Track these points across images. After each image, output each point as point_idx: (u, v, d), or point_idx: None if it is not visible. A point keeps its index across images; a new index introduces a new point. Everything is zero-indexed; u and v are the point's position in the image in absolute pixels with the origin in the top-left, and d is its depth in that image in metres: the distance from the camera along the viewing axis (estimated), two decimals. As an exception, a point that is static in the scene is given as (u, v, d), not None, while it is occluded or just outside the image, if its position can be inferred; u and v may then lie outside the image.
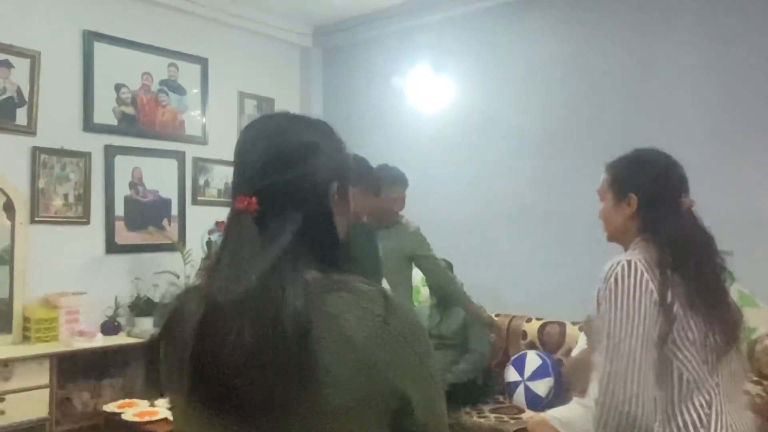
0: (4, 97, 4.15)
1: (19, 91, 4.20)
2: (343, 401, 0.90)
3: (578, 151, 4.03)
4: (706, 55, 3.89)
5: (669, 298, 1.49)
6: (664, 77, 4.04)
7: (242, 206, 0.94)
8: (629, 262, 1.51)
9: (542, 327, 4.22)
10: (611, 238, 1.76)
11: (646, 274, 1.49)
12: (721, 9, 3.84)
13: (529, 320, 4.31)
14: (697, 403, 1.51)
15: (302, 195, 0.98)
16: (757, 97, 3.70)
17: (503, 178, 4.64)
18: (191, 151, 5.18)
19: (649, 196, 1.63)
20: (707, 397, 1.53)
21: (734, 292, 3.67)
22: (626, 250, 1.68)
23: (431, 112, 5.20)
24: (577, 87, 4.36)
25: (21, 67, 4.19)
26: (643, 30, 4.14)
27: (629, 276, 1.48)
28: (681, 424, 1.49)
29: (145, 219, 4.84)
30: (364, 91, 5.76)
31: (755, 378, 3.35)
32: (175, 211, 5.05)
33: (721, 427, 1.52)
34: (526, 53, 4.69)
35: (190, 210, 5.16)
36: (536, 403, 3.85)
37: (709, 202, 2.02)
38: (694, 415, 1.50)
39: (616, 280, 1.49)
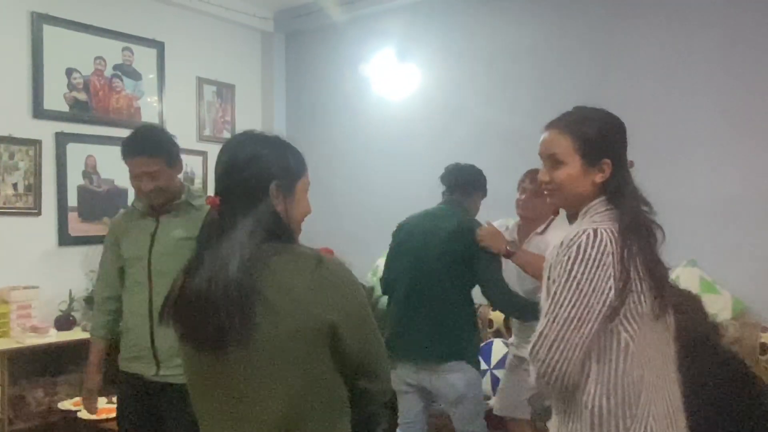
0: None
1: None
2: (284, 331, 1.29)
3: (536, 130, 4.06)
4: (669, 41, 3.93)
5: (630, 272, 1.48)
6: (627, 63, 4.08)
7: (210, 202, 1.41)
8: (595, 232, 1.48)
9: None
10: (567, 207, 1.71)
11: (609, 246, 1.47)
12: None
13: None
14: (636, 376, 1.52)
15: (248, 191, 1.37)
16: (717, 84, 3.75)
17: (470, 158, 4.66)
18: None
19: (619, 161, 1.60)
20: (646, 370, 1.55)
21: (696, 277, 3.78)
22: (573, 217, 1.68)
23: (396, 99, 5.22)
24: (541, 74, 4.40)
25: None
26: (606, 17, 4.16)
27: (592, 247, 1.46)
28: (622, 395, 1.50)
29: (100, 209, 4.78)
30: (328, 77, 5.75)
31: None
32: (130, 201, 4.92)
33: (652, 401, 1.55)
34: (491, 40, 4.70)
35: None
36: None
37: (671, 191, 2.06)
38: (635, 388, 1.51)
39: (578, 248, 1.47)
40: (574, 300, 1.44)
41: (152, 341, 2.31)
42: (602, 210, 1.58)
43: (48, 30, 4.50)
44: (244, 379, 1.32)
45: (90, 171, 4.72)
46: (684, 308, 2.15)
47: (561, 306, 1.46)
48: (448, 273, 2.96)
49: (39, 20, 4.44)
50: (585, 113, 1.65)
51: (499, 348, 4.10)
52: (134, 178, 2.38)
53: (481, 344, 4.08)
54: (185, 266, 1.41)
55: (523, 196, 3.17)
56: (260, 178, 1.37)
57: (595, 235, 1.47)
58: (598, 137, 1.59)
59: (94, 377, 2.61)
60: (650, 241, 1.56)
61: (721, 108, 3.74)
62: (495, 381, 3.97)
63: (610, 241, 1.47)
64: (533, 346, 1.51)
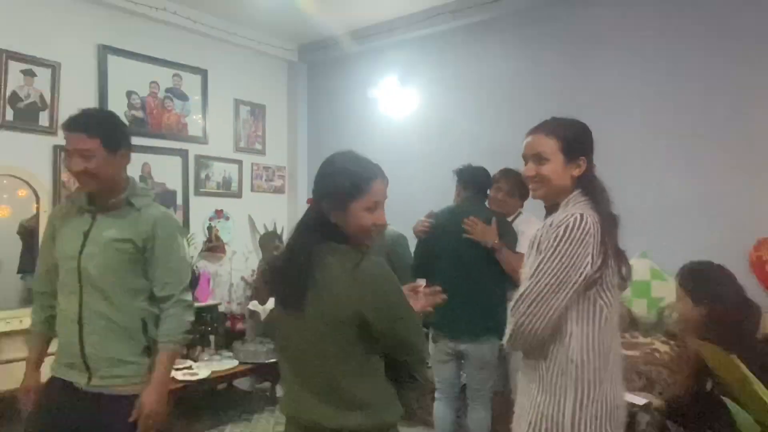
0: (29, 102, 4.12)
1: (41, 98, 4.18)
2: (325, 314, 1.45)
3: (520, 151, 4.09)
4: (623, 72, 3.98)
5: (608, 250, 1.53)
6: (588, 88, 4.10)
7: (308, 202, 1.61)
8: (582, 216, 1.52)
9: None
10: (549, 197, 1.70)
11: (591, 229, 1.51)
12: (635, 34, 3.94)
13: None
14: (608, 338, 1.57)
15: (317, 201, 1.55)
16: (663, 109, 3.80)
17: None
18: (194, 149, 5.17)
19: (590, 160, 1.65)
20: (614, 339, 1.62)
21: (647, 267, 3.81)
22: (551, 208, 1.70)
23: (398, 118, 5.27)
24: (518, 96, 4.42)
25: (43, 75, 4.17)
26: (574, 51, 4.22)
27: (578, 229, 1.49)
28: (599, 350, 1.55)
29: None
30: (342, 99, 5.78)
31: (663, 338, 3.44)
32: (180, 200, 5.03)
33: (616, 364, 1.62)
34: (478, 69, 4.75)
35: (193, 200, 5.14)
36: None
37: (626, 195, 2.10)
38: (607, 347, 1.56)
39: (566, 228, 1.50)
40: (556, 270, 1.48)
41: (82, 349, 1.83)
42: (581, 200, 1.61)
43: (112, 59, 4.58)
44: (302, 341, 1.51)
45: (145, 175, 4.76)
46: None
47: (544, 273, 1.49)
48: (486, 260, 2.96)
49: (104, 51, 4.53)
50: (563, 121, 1.69)
51: None
52: (67, 156, 1.89)
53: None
54: (288, 241, 1.63)
55: (500, 195, 3.14)
56: (319, 195, 1.54)
57: (582, 219, 1.51)
58: (575, 139, 1.63)
59: (34, 374, 2.10)
60: (617, 227, 1.61)
61: (666, 128, 3.80)
62: None
63: (593, 225, 1.51)
64: (515, 303, 1.54)
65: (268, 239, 5.36)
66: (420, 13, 4.89)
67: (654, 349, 3.39)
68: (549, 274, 1.49)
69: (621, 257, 1.61)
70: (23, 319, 3.73)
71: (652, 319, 3.64)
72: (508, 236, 3.03)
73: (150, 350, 1.92)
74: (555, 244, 1.50)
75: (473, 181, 3.28)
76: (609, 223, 1.58)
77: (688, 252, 3.54)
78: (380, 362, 1.52)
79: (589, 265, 1.50)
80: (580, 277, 1.50)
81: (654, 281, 3.67)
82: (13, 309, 3.86)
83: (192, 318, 2.05)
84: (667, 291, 3.62)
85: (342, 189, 1.48)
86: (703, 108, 3.65)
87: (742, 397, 0.95)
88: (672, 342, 3.41)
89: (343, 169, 1.53)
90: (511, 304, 1.57)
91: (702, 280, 2.22)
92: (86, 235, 1.86)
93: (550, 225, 1.57)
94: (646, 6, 3.87)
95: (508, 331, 1.58)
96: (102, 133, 1.84)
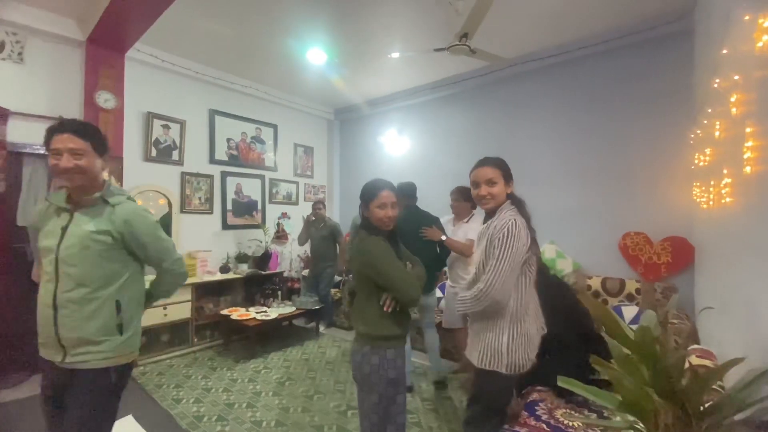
0: (166, 144, 4.18)
1: (174, 142, 4.25)
2: (356, 272, 1.63)
3: (465, 179, 4.18)
4: (548, 126, 4.02)
5: (532, 241, 1.55)
6: (517, 136, 4.16)
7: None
8: (515, 221, 1.53)
9: None
10: (494, 208, 1.66)
11: (522, 228, 1.52)
12: (545, 102, 4.01)
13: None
14: (528, 294, 1.59)
15: (360, 205, 1.70)
16: (572, 148, 3.82)
17: (433, 188, 4.74)
18: (268, 175, 5.22)
19: (511, 181, 1.68)
20: (533, 295, 1.64)
21: (553, 250, 3.85)
22: (490, 213, 1.67)
23: (396, 155, 5.31)
24: (475, 143, 4.48)
25: (175, 128, 4.25)
26: (507, 112, 4.27)
27: (515, 228, 1.51)
28: (524, 302, 1.57)
29: (243, 211, 4.88)
30: (361, 144, 5.82)
31: None
32: (259, 207, 5.10)
33: (532, 307, 1.63)
34: (447, 124, 4.81)
35: (268, 207, 5.21)
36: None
37: (541, 202, 2.18)
38: (527, 299, 1.58)
39: (509, 229, 1.51)
40: (509, 258, 1.49)
41: (56, 330, 1.43)
42: (511, 208, 1.61)
43: (218, 118, 4.65)
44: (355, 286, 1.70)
45: (238, 190, 4.84)
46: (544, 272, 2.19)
47: (503, 262, 1.49)
48: (430, 246, 2.91)
49: (213, 113, 4.60)
50: (497, 159, 1.70)
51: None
52: (54, 155, 1.42)
53: (439, 283, 4.27)
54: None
55: (455, 203, 3.11)
56: (361, 197, 1.70)
57: (515, 222, 1.53)
58: (508, 169, 1.68)
59: None
60: (530, 223, 1.62)
61: (564, 161, 3.86)
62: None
63: (522, 225, 1.54)
64: (488, 286, 1.50)
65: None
66: (410, 89, 4.99)
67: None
68: (506, 262, 1.49)
69: (535, 243, 1.60)
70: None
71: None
72: (442, 230, 3.02)
73: (122, 327, 1.51)
74: (504, 240, 1.50)
75: (410, 192, 3.19)
76: (528, 222, 1.60)
77: (579, 240, 3.69)
78: (374, 298, 1.59)
79: (524, 250, 1.52)
80: (521, 259, 1.52)
81: (558, 259, 3.74)
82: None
83: (183, 281, 1.74)
84: (566, 265, 3.70)
85: (365, 195, 1.68)
86: (586, 148, 3.71)
87: (612, 332, 0.91)
88: None
89: (367, 184, 1.70)
90: (481, 285, 1.53)
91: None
92: (64, 229, 1.46)
93: (495, 227, 1.56)
94: (553, 85, 3.95)
95: (477, 296, 1.53)
96: (90, 137, 1.47)
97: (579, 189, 3.74)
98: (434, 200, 4.74)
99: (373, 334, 1.59)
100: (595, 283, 3.41)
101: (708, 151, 2.19)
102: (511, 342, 1.56)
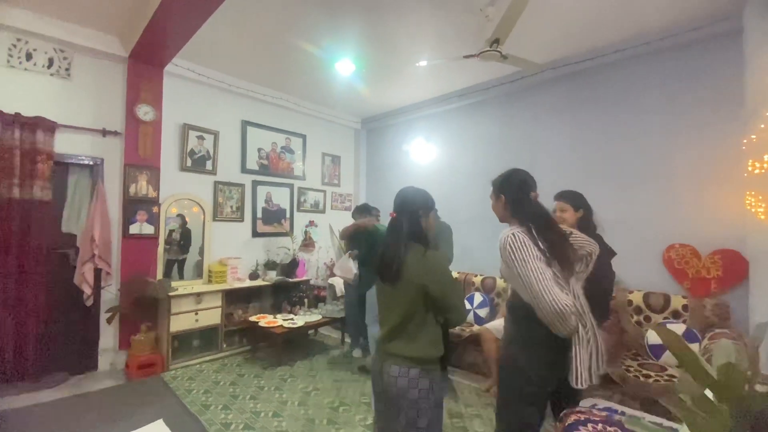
0: (201, 154, 4.25)
1: (208, 152, 4.31)
2: (407, 283, 1.46)
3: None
4: (582, 132, 3.83)
5: (541, 246, 1.45)
6: (556, 144, 3.96)
7: (391, 215, 1.58)
8: (513, 233, 1.46)
9: (483, 279, 4.13)
10: (501, 220, 1.66)
11: (523, 237, 1.45)
12: (590, 106, 3.82)
13: (476, 275, 4.23)
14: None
15: (408, 212, 1.54)
16: (609, 156, 3.62)
17: (460, 196, 4.68)
18: (297, 183, 5.24)
19: (510, 195, 1.59)
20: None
21: None
22: (510, 225, 1.61)
23: (422, 163, 5.22)
24: (505, 150, 4.34)
25: (209, 139, 4.31)
26: (543, 119, 4.08)
27: (515, 240, 1.44)
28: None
29: (272, 219, 4.91)
30: (387, 152, 5.76)
31: None
32: (288, 215, 5.11)
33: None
34: (474, 131, 4.69)
35: (296, 215, 5.22)
36: (480, 322, 3.83)
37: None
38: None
39: (510, 243, 1.44)
40: (527, 267, 1.42)
41: None
42: (513, 221, 1.59)
43: (249, 129, 4.70)
44: (393, 299, 1.51)
45: (268, 199, 4.87)
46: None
47: (526, 275, 1.41)
48: None
49: (245, 124, 4.65)
50: (503, 173, 1.68)
51: (478, 297, 3.96)
52: None
53: (467, 295, 4.10)
54: (385, 243, 1.57)
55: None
56: (413, 207, 1.55)
57: (514, 235, 1.46)
58: (499, 185, 1.68)
59: None
60: (545, 232, 1.53)
61: (598, 167, 3.61)
62: (476, 317, 3.87)
63: (522, 234, 1.47)
64: (534, 301, 1.40)
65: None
66: (438, 97, 4.89)
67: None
68: (528, 274, 1.41)
69: (556, 252, 1.47)
70: (194, 285, 4.02)
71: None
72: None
73: None
74: (512, 254, 1.46)
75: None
76: (534, 229, 1.51)
77: (619, 252, 3.45)
78: (431, 316, 1.49)
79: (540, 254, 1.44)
80: (544, 262, 1.43)
81: None
82: (189, 279, 4.06)
83: None
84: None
85: (427, 203, 1.58)
86: (625, 155, 3.48)
87: (691, 369, 0.81)
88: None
89: (423, 193, 1.60)
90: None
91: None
92: None
93: (500, 245, 1.51)
94: (587, 90, 3.77)
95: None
96: None
97: (617, 198, 3.50)
98: (461, 207, 4.68)
99: (425, 357, 1.46)
100: (637, 298, 3.16)
101: (767, 157, 1.99)
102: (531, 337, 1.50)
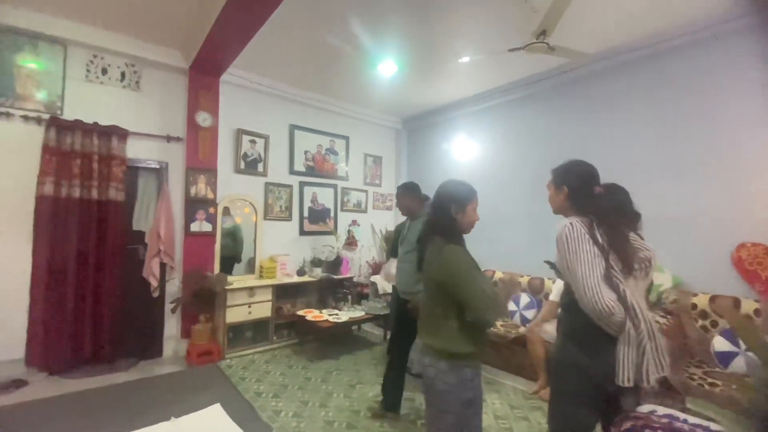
0: (253, 157, 4.41)
1: (259, 155, 4.47)
2: (430, 280, 1.47)
3: (546, 177, 3.91)
4: (638, 124, 3.58)
5: (599, 240, 1.37)
6: (609, 137, 3.73)
7: (428, 212, 1.57)
8: (571, 223, 1.41)
9: (530, 279, 4.01)
10: (556, 212, 1.58)
11: (581, 228, 1.38)
12: (647, 96, 3.58)
13: (522, 276, 4.11)
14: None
15: (440, 206, 1.52)
16: (669, 148, 3.38)
17: (505, 193, 4.53)
18: (340, 184, 5.32)
19: (574, 188, 1.51)
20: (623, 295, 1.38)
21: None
22: (567, 218, 1.55)
23: (463, 161, 5.11)
24: (553, 145, 4.16)
25: (260, 142, 4.47)
26: (594, 111, 3.86)
27: (572, 231, 1.38)
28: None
29: (318, 218, 5.00)
30: (427, 151, 5.71)
31: (662, 313, 3.08)
32: (332, 214, 5.20)
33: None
34: (518, 126, 4.54)
35: (340, 214, 5.30)
36: (526, 322, 3.73)
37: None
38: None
39: (567, 233, 1.38)
40: (579, 260, 1.37)
41: None
42: (572, 213, 1.51)
43: (297, 132, 4.82)
44: (425, 290, 1.56)
45: (314, 199, 4.96)
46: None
47: (577, 268, 1.36)
48: None
49: (292, 127, 4.78)
50: (565, 162, 1.60)
51: (525, 299, 3.88)
52: None
53: (514, 296, 4.02)
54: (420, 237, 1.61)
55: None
56: (445, 200, 1.53)
57: (571, 225, 1.42)
58: (560, 175, 1.61)
59: None
60: (608, 228, 1.43)
61: (657, 161, 3.38)
62: (523, 318, 3.78)
63: (580, 225, 1.41)
64: (581, 296, 1.34)
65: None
66: (480, 93, 4.77)
67: (655, 321, 3.05)
68: (579, 267, 1.36)
69: (617, 248, 1.38)
70: (247, 280, 4.20)
71: (653, 299, 3.25)
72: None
73: None
74: (566, 245, 1.41)
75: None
76: (595, 222, 1.43)
77: (681, 251, 3.19)
78: (452, 312, 1.44)
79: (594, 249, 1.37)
80: (600, 259, 1.36)
81: (656, 272, 3.25)
82: (242, 274, 4.26)
83: None
84: (665, 279, 3.24)
85: (461, 195, 1.52)
86: (686, 147, 3.22)
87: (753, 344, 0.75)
88: (669, 316, 3.08)
89: (461, 184, 1.56)
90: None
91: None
92: None
93: (557, 237, 1.47)
94: (643, 79, 3.53)
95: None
96: None
97: (679, 193, 3.26)
98: (505, 204, 4.55)
99: (450, 350, 1.44)
100: (702, 302, 2.92)
101: None
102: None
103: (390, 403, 2.67)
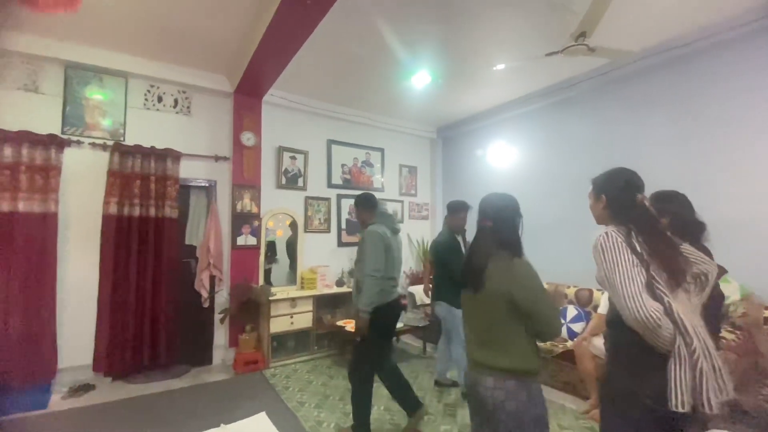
0: (293, 173, 4.54)
1: (299, 170, 4.59)
2: (491, 292, 1.39)
3: (586, 189, 3.72)
4: (690, 123, 3.36)
5: (638, 249, 1.29)
6: (658, 138, 3.51)
7: (485, 223, 1.49)
8: (607, 232, 1.33)
9: (577, 291, 3.85)
10: (598, 222, 1.50)
11: (617, 237, 1.30)
12: (702, 93, 3.35)
13: (569, 287, 3.95)
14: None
15: (507, 221, 1.47)
16: (726, 147, 3.15)
17: (545, 201, 4.37)
18: (377, 195, 5.31)
19: (612, 197, 1.44)
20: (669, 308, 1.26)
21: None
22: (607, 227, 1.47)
23: (503, 168, 4.96)
24: (596, 148, 3.97)
25: (300, 158, 4.59)
26: (641, 111, 3.64)
27: (607, 240, 1.30)
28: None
29: (355, 229, 5.00)
30: (464, 160, 5.61)
31: (729, 328, 2.84)
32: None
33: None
34: (559, 131, 4.36)
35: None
36: (573, 336, 3.57)
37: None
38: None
39: (602, 243, 1.31)
40: (617, 269, 1.28)
41: None
42: (611, 223, 1.42)
43: (334, 146, 4.92)
44: (478, 308, 1.46)
45: (351, 211, 4.96)
46: None
47: (615, 277, 1.27)
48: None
49: (330, 142, 4.87)
50: (606, 171, 1.50)
51: (572, 311, 3.73)
52: None
53: (560, 308, 3.87)
54: (469, 250, 1.52)
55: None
56: (511, 213, 1.48)
57: (607, 234, 1.33)
58: (600, 184, 1.51)
59: None
60: (649, 238, 1.34)
61: (713, 161, 3.13)
62: (570, 331, 3.63)
63: (617, 234, 1.33)
64: (622, 306, 1.26)
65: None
66: (516, 99, 4.64)
67: (722, 336, 2.80)
68: (617, 276, 1.27)
69: (661, 259, 1.28)
70: (289, 291, 4.31)
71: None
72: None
73: None
74: (602, 254, 1.32)
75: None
76: (635, 231, 1.33)
77: (749, 258, 2.92)
78: (522, 327, 1.39)
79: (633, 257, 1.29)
80: (640, 268, 1.27)
81: (722, 283, 2.98)
82: (284, 285, 4.38)
83: None
84: (731, 290, 2.95)
85: (517, 208, 1.51)
86: (747, 145, 2.95)
87: None
88: (737, 332, 2.82)
89: (511, 197, 1.53)
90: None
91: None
92: None
93: (592, 246, 1.40)
94: (697, 74, 3.30)
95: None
96: None
97: (740, 196, 3.02)
98: (546, 212, 4.40)
99: (520, 368, 1.38)
100: (773, 316, 2.65)
101: None
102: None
103: (410, 405, 2.58)
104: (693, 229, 1.71)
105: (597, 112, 4.01)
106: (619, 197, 1.42)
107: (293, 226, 4.52)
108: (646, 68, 3.56)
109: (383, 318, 2.44)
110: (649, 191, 1.49)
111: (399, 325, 4.18)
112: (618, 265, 1.25)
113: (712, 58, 3.16)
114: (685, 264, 1.33)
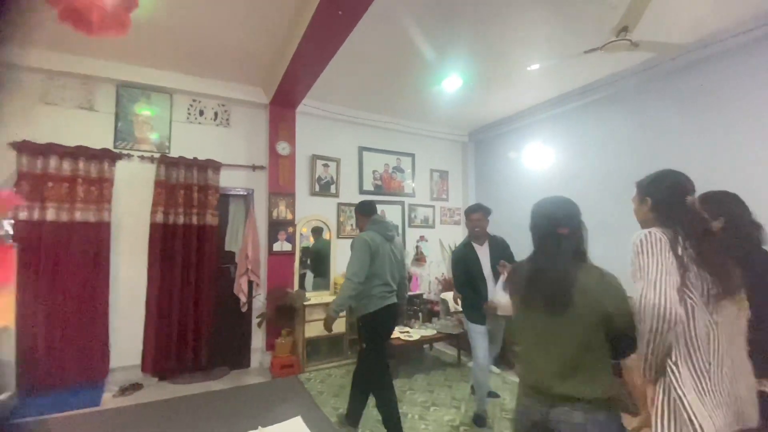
0: (326, 180, 4.60)
1: (332, 178, 4.64)
2: (583, 310, 1.22)
3: (629, 191, 3.51)
4: (720, 121, 3.15)
5: (680, 252, 1.20)
6: (718, 135, 3.27)
7: (561, 231, 1.32)
8: (649, 231, 1.25)
9: None
10: (643, 227, 1.39)
11: (662, 236, 1.22)
12: (733, 91, 3.10)
13: None
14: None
15: (576, 229, 1.33)
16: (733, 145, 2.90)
17: (585, 203, 4.16)
18: (407, 201, 5.31)
19: (658, 199, 1.35)
20: (706, 330, 1.18)
21: None
22: None
23: (536, 169, 4.81)
24: (633, 146, 3.78)
25: (332, 166, 4.65)
26: (694, 107, 3.41)
27: (649, 236, 1.22)
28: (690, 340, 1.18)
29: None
30: (497, 163, 5.50)
31: None
32: (400, 231, 5.18)
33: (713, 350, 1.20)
34: (597, 132, 4.18)
35: (408, 230, 5.28)
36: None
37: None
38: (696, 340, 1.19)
39: (641, 240, 1.23)
40: (652, 264, 1.20)
41: None
42: (655, 225, 1.35)
43: (365, 153, 4.96)
44: (559, 331, 1.26)
45: (383, 216, 4.94)
46: None
47: (648, 271, 1.19)
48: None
49: (361, 149, 4.93)
50: (652, 174, 1.42)
51: None
52: None
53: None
54: (531, 262, 1.34)
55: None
56: (579, 220, 1.34)
57: (649, 233, 1.26)
58: (644, 187, 1.43)
59: None
60: (697, 243, 1.25)
61: (749, 157, 2.89)
62: None
63: (660, 234, 1.25)
64: (642, 295, 1.18)
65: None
66: (552, 99, 4.48)
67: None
68: (650, 271, 1.19)
69: (708, 267, 1.20)
70: (323, 296, 4.34)
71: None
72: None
73: None
74: (641, 250, 1.24)
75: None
76: (682, 235, 1.25)
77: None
78: (606, 348, 1.24)
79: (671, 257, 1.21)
80: (675, 270, 1.19)
81: None
82: (319, 291, 4.42)
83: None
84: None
85: (579, 213, 1.38)
86: None
87: None
88: None
89: (577, 206, 1.39)
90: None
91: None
92: None
93: (632, 243, 1.31)
94: (740, 68, 3.05)
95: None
96: None
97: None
98: (585, 214, 4.11)
99: (605, 397, 1.21)
100: None
101: None
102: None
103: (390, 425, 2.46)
104: (750, 231, 1.56)
105: (639, 110, 3.80)
106: (665, 200, 1.34)
107: (327, 232, 4.57)
108: (697, 61, 3.32)
109: (379, 322, 2.47)
110: (698, 193, 1.38)
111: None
112: (655, 257, 1.19)
113: (772, 48, 2.91)
114: (736, 274, 1.23)
